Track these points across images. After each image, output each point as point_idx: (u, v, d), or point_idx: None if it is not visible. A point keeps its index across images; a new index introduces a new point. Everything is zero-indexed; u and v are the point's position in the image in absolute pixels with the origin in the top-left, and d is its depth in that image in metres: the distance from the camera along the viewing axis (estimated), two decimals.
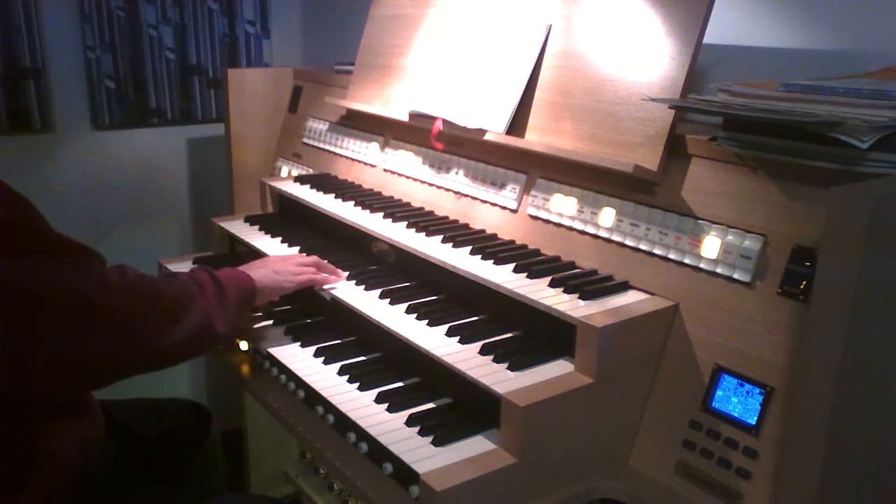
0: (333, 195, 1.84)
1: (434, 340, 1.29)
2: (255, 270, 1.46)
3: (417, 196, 1.80)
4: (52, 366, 1.08)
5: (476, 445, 1.15)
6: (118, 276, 1.14)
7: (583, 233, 1.43)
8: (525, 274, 1.35)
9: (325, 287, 1.50)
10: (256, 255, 1.76)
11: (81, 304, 1.07)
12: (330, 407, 1.28)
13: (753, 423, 1.13)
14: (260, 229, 1.88)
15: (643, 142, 1.32)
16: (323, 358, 1.42)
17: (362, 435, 1.20)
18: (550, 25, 1.54)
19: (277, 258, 1.56)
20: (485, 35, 1.66)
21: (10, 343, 1.03)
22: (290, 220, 1.96)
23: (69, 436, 1.19)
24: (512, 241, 1.54)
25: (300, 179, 2.01)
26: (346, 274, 1.55)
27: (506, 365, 1.21)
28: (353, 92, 2.02)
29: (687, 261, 1.25)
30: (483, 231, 1.60)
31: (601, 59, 1.43)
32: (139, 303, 1.15)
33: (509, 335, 1.33)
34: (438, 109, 1.68)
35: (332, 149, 2.12)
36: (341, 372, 1.37)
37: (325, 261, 1.57)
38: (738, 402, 1.15)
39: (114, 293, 1.11)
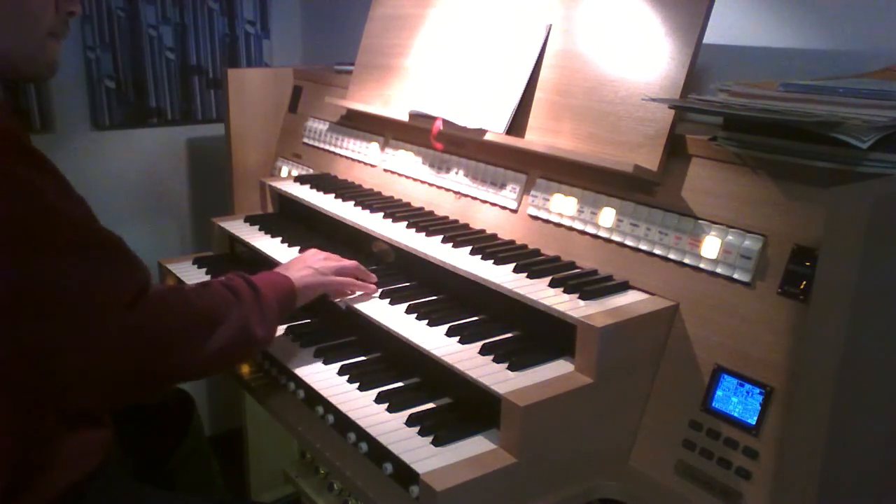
0: (333, 195, 1.84)
1: (434, 340, 1.29)
2: (293, 271, 1.42)
3: (417, 196, 1.80)
4: (87, 379, 1.07)
5: (476, 445, 1.15)
6: (151, 292, 1.12)
7: (583, 233, 1.43)
8: (525, 274, 1.35)
9: (344, 297, 1.47)
10: (256, 255, 1.77)
11: (114, 318, 1.05)
12: (330, 407, 1.28)
13: (753, 423, 1.13)
14: (260, 229, 1.88)
15: (643, 142, 1.32)
16: (323, 358, 1.42)
17: (362, 435, 1.20)
18: (550, 25, 1.54)
19: (315, 253, 1.50)
20: (485, 35, 1.66)
21: (43, 353, 1.03)
22: (291, 220, 1.96)
23: (76, 449, 1.19)
24: (512, 241, 1.54)
25: (300, 179, 2.01)
26: (375, 281, 1.51)
27: (506, 365, 1.21)
28: (353, 92, 2.02)
29: (687, 261, 1.25)
30: (483, 231, 1.60)
31: (601, 59, 1.43)
32: (172, 318, 1.13)
33: (509, 335, 1.33)
34: (438, 109, 1.68)
35: (332, 149, 2.12)
36: (341, 372, 1.37)
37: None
38: (738, 402, 1.15)
39: (148, 309, 1.09)
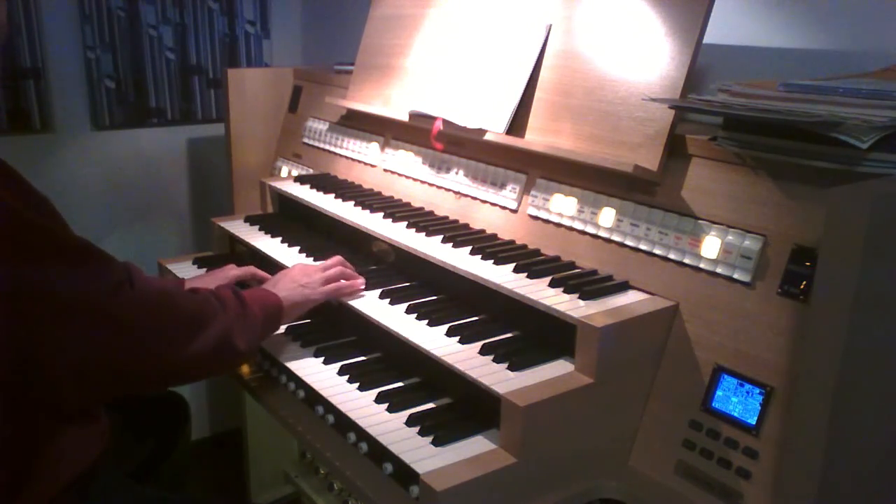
0: (333, 195, 1.84)
1: (434, 340, 1.29)
2: (280, 288, 1.42)
3: (417, 196, 1.80)
4: (73, 374, 1.08)
5: (476, 445, 1.15)
6: (137, 285, 1.13)
7: (583, 233, 1.43)
8: (525, 274, 1.35)
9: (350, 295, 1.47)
10: (256, 255, 1.77)
11: (94, 310, 1.06)
12: (330, 407, 1.28)
13: (753, 423, 1.13)
14: (260, 229, 1.88)
15: (643, 142, 1.32)
16: (323, 358, 1.42)
17: (362, 435, 1.20)
18: (550, 25, 1.54)
19: (300, 268, 1.49)
20: (485, 35, 1.66)
21: (31, 350, 1.04)
22: (290, 220, 1.96)
23: (72, 444, 1.19)
24: (512, 241, 1.54)
25: (300, 179, 2.01)
26: (363, 281, 1.51)
27: (506, 365, 1.21)
28: (353, 92, 2.02)
29: (687, 261, 1.25)
30: (483, 231, 1.60)
31: (601, 59, 1.43)
32: (155, 313, 1.14)
33: (509, 335, 1.33)
34: (438, 109, 1.68)
35: (332, 149, 2.12)
36: (341, 372, 1.37)
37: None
38: (738, 402, 1.15)
39: (129, 301, 1.10)
